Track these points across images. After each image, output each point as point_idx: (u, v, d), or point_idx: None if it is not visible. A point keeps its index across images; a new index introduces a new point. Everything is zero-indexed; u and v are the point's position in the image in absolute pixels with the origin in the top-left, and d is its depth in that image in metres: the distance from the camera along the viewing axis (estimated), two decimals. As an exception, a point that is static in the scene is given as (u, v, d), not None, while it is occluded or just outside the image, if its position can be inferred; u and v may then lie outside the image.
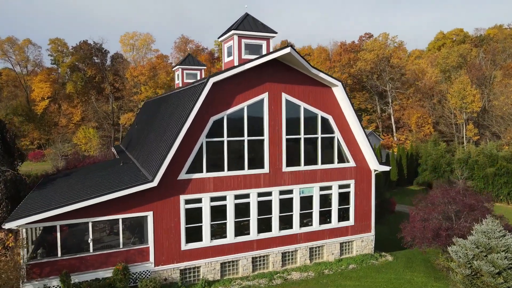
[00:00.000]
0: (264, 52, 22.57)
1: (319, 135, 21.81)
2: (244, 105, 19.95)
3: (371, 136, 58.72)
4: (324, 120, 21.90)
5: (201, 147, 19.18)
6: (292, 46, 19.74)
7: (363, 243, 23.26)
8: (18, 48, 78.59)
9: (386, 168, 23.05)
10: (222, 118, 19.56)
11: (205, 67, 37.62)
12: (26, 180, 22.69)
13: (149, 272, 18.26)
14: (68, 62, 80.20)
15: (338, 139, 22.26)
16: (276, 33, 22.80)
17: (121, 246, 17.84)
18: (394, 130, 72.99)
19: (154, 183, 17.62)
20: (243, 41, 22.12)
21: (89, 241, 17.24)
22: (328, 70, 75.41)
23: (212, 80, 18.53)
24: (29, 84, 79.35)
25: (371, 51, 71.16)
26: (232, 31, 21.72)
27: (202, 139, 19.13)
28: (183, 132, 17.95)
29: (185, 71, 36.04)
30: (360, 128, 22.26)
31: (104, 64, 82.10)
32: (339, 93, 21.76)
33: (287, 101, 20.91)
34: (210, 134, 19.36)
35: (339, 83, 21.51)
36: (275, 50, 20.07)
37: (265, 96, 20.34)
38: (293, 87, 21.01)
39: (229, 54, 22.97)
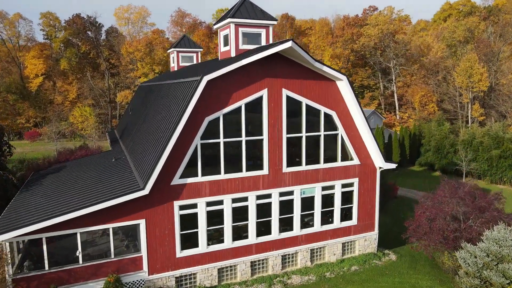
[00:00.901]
0: (263, 41, 20.98)
1: (322, 132, 20.47)
2: (242, 103, 18.50)
3: (373, 115, 57.16)
4: (327, 116, 20.51)
5: (195, 150, 17.90)
6: (292, 40, 18.09)
7: (366, 242, 22.42)
8: (8, 23, 75.68)
9: (392, 166, 21.86)
10: (218, 118, 18.16)
11: (201, 49, 35.97)
12: (13, 179, 21.62)
13: (143, 281, 17.45)
14: (61, 37, 77.52)
15: (341, 136, 20.94)
16: (276, 20, 21.14)
17: (112, 256, 16.89)
18: (397, 108, 71.33)
19: (146, 191, 16.49)
20: (241, 29, 20.50)
21: (77, 254, 16.28)
22: (330, 46, 72.90)
23: (206, 78, 17.01)
24: (21, 60, 76.98)
25: (375, 25, 68.45)
26: (228, 19, 20.04)
27: (197, 141, 17.83)
28: (175, 136, 16.62)
29: (180, 54, 34.42)
30: (365, 124, 20.91)
31: (98, 39, 79.46)
32: (344, 87, 20.27)
33: (288, 97, 19.44)
34: (205, 135, 18.02)
35: (343, 77, 19.99)
36: (275, 44, 18.44)
37: (264, 92, 18.87)
38: (294, 82, 19.48)
39: (226, 43, 21.38)
